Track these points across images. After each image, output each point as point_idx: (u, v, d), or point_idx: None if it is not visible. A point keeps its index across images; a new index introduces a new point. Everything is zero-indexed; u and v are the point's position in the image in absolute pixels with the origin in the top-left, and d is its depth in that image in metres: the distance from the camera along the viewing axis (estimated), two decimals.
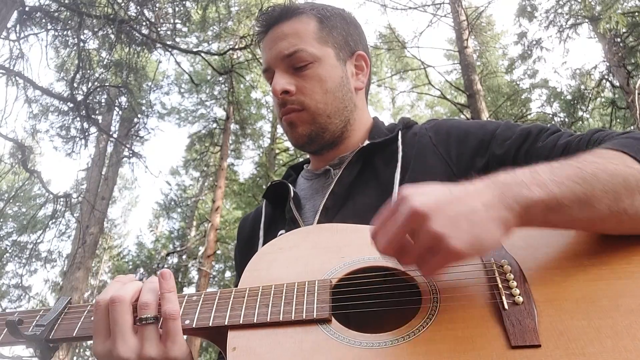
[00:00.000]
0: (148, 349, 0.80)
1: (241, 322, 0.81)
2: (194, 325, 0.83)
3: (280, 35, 1.16)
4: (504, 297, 0.75)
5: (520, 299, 0.74)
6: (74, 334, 0.86)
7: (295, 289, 0.85)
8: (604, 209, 0.76)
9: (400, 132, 1.20)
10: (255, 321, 0.81)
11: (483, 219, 0.70)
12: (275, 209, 1.27)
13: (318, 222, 1.10)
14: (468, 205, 0.71)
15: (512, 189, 0.73)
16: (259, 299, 0.85)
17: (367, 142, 1.17)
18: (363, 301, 0.83)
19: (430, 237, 0.69)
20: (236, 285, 1.10)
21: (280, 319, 0.80)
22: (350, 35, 1.23)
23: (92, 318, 0.83)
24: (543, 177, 0.75)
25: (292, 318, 0.80)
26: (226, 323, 0.82)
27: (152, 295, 0.83)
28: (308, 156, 1.33)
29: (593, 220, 0.77)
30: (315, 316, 0.79)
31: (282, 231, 1.15)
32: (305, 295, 0.83)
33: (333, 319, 0.79)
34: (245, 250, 1.28)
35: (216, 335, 0.84)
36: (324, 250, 0.93)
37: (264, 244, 1.20)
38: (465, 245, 0.68)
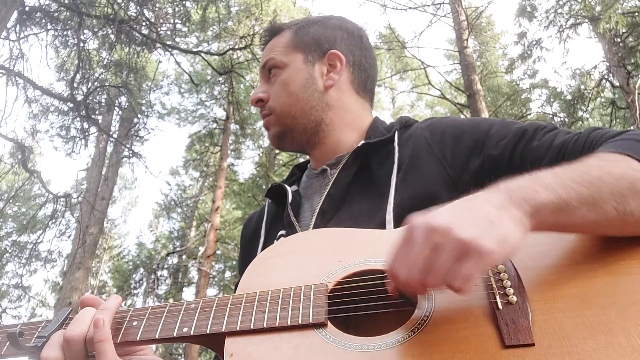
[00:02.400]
0: None
1: (238, 328, 0.82)
2: (191, 333, 0.84)
3: (264, 52, 1.30)
4: (497, 297, 0.75)
5: (514, 298, 0.75)
6: None
7: (292, 294, 0.85)
8: (611, 210, 0.76)
9: (397, 132, 1.20)
10: (252, 327, 0.81)
11: (500, 218, 0.70)
12: (277, 208, 1.29)
13: (314, 225, 1.10)
14: (481, 211, 0.70)
15: (518, 192, 0.73)
16: (255, 305, 0.85)
17: (362, 142, 1.18)
18: (359, 304, 0.83)
19: (457, 244, 0.66)
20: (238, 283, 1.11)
21: (277, 324, 0.81)
22: (325, 37, 1.26)
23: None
24: (547, 180, 0.75)
25: (289, 323, 0.80)
26: (223, 330, 0.82)
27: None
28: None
29: (601, 223, 0.77)
30: (311, 320, 0.80)
31: (283, 232, 1.17)
32: (302, 300, 0.84)
33: (329, 323, 0.80)
34: (247, 250, 1.30)
35: (214, 342, 0.85)
36: (321, 255, 0.94)
37: (264, 242, 1.22)
38: (495, 243, 0.67)
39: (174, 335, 0.84)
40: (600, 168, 0.78)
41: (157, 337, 0.85)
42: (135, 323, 0.87)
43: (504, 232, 0.68)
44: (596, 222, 0.77)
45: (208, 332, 0.83)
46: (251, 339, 0.80)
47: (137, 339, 0.85)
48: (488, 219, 0.69)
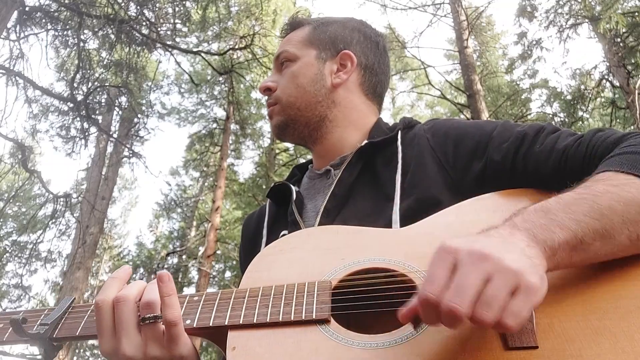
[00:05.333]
0: (152, 348, 0.81)
1: (241, 322, 0.82)
2: (194, 325, 0.84)
3: (281, 43, 1.33)
4: None
5: None
6: (77, 333, 0.87)
7: (295, 290, 0.85)
8: (625, 240, 0.75)
9: (400, 132, 1.20)
10: (255, 321, 0.82)
11: (535, 258, 0.67)
12: (278, 208, 1.29)
13: (319, 224, 1.10)
14: (516, 246, 0.67)
15: (537, 233, 0.71)
16: (259, 300, 0.85)
17: (365, 141, 1.18)
18: (363, 302, 0.83)
19: (511, 276, 0.62)
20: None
21: (280, 319, 0.81)
22: (341, 37, 1.28)
23: (95, 316, 0.84)
24: (560, 217, 0.73)
25: (292, 318, 0.80)
26: (226, 323, 0.83)
27: (154, 296, 0.83)
28: (311, 156, 1.35)
29: (614, 253, 0.77)
30: (314, 317, 0.80)
31: (285, 232, 1.16)
32: (305, 296, 0.84)
33: (332, 320, 0.80)
34: (249, 249, 1.30)
35: (216, 335, 0.85)
36: (325, 252, 0.94)
37: (267, 243, 1.22)
38: (539, 280, 0.64)
39: None
40: (610, 195, 0.76)
41: None
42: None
43: (541, 272, 0.66)
44: (609, 254, 0.76)
45: (211, 324, 0.84)
46: (254, 333, 0.81)
47: None
48: (526, 255, 0.66)
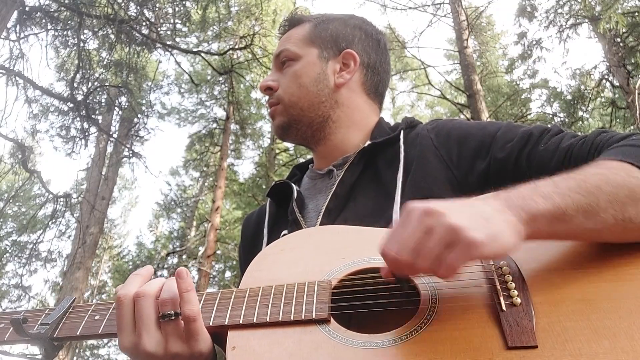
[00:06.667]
0: (173, 344, 0.82)
1: (241, 322, 0.82)
2: None
3: (280, 41, 1.30)
4: (502, 299, 0.75)
5: (518, 300, 0.74)
6: (78, 333, 0.88)
7: (295, 290, 0.85)
8: (610, 218, 0.76)
9: (402, 132, 1.20)
10: (254, 321, 0.82)
11: (495, 218, 0.71)
12: (279, 208, 1.28)
13: (320, 224, 1.10)
14: (478, 209, 0.72)
15: (516, 200, 0.74)
16: (259, 300, 0.85)
17: (368, 142, 1.18)
18: (362, 302, 0.84)
19: (448, 230, 0.68)
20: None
21: (280, 319, 0.81)
22: (343, 35, 1.26)
23: (116, 312, 0.84)
24: (545, 190, 0.75)
25: (292, 318, 0.81)
26: (226, 323, 0.83)
27: (173, 292, 0.83)
28: (311, 156, 1.35)
29: (599, 230, 0.77)
30: (314, 316, 0.80)
31: (285, 232, 1.16)
32: (305, 295, 0.84)
33: (332, 319, 0.80)
34: (249, 249, 1.29)
35: (216, 335, 0.85)
36: (325, 252, 0.94)
37: (268, 242, 1.21)
38: (485, 237, 0.68)
39: None
40: (598, 176, 0.78)
41: None
42: None
43: (495, 230, 0.69)
44: (594, 230, 0.77)
45: (211, 324, 0.84)
46: (254, 332, 0.81)
47: None
48: (483, 216, 0.70)
